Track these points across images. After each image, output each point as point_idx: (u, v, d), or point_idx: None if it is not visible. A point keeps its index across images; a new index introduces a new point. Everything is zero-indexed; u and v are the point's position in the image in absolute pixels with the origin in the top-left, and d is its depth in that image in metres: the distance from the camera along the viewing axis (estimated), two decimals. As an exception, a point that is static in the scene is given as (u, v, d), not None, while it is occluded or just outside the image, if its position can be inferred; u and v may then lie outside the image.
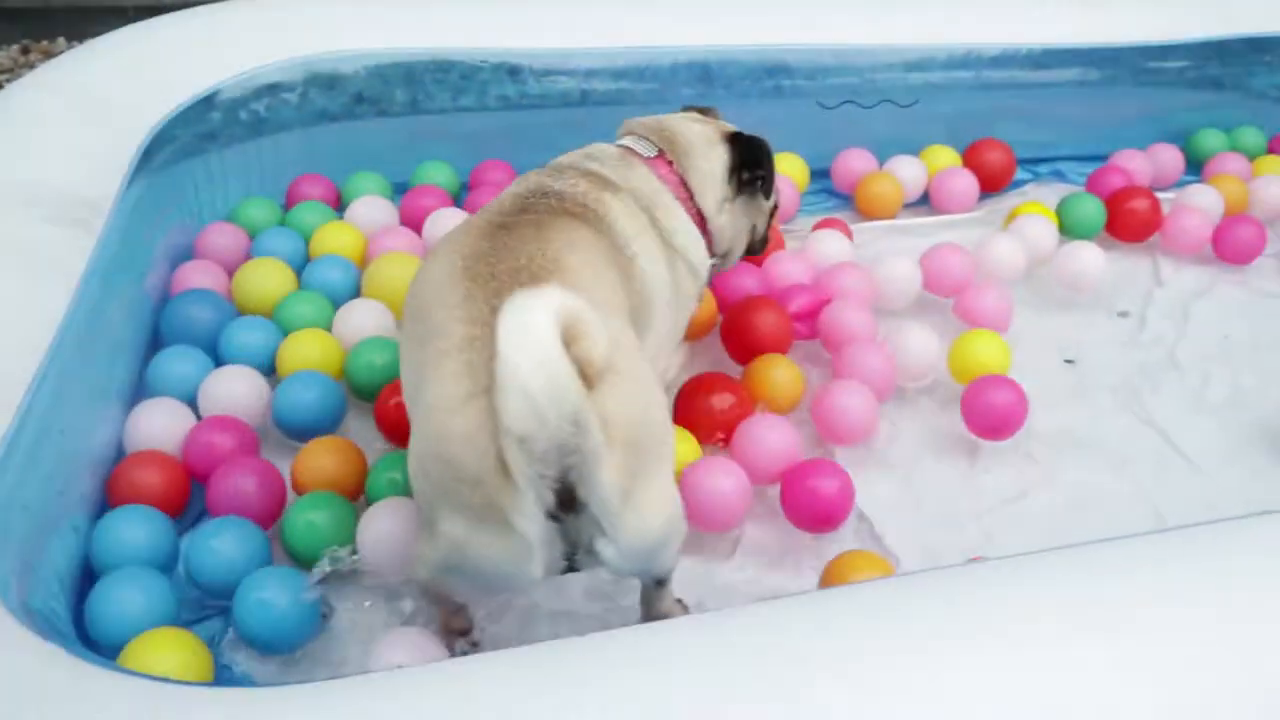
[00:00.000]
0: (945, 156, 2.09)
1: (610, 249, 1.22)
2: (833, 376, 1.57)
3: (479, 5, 2.06)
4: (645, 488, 1.03)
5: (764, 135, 1.42)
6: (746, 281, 1.70)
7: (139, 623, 1.15)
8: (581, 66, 2.01)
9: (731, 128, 1.44)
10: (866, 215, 2.03)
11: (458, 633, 1.23)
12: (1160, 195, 2.03)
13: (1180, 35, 2.26)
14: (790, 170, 2.02)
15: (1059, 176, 2.24)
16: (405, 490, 1.32)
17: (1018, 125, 2.19)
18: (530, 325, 0.89)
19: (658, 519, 1.05)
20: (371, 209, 1.86)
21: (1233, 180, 2.13)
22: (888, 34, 2.07)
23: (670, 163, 1.36)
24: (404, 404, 1.17)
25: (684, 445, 1.42)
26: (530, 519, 0.98)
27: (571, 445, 0.93)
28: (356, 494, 1.38)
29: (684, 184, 1.36)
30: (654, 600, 1.22)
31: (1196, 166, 2.27)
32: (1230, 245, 1.97)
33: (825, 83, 2.07)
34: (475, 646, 1.23)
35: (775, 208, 1.52)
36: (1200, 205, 2.03)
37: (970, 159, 2.11)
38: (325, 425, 1.47)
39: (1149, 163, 2.21)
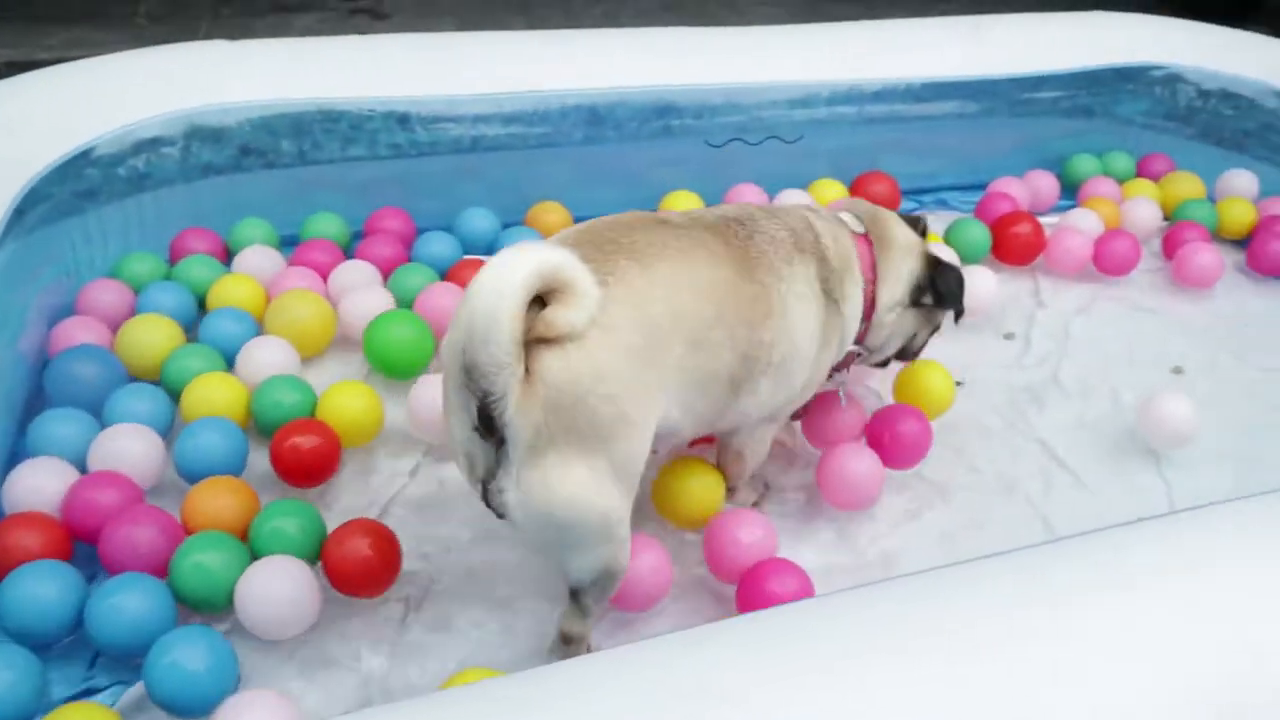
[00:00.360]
0: (832, 190, 2.13)
1: (739, 282, 1.23)
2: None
3: (366, 55, 2.05)
4: (563, 462, 1.06)
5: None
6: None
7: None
8: (470, 113, 2.01)
9: (933, 247, 1.50)
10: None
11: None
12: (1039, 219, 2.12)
13: (1053, 67, 2.36)
14: (686, 206, 2.04)
15: (943, 205, 2.31)
16: (290, 542, 1.29)
17: (902, 157, 2.25)
18: (510, 263, 0.98)
19: (562, 496, 1.07)
20: (261, 258, 1.84)
21: (1106, 203, 2.23)
22: (773, 72, 2.11)
23: (870, 245, 1.40)
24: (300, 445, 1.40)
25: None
26: (456, 422, 1.08)
27: (495, 385, 1.00)
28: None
29: (873, 268, 1.39)
30: (564, 619, 1.23)
31: (1071, 191, 2.37)
32: (1109, 258, 2.07)
33: (713, 121, 2.10)
34: None
35: (937, 328, 1.56)
36: (1081, 227, 2.12)
37: (857, 191, 2.16)
38: (232, 470, 1.43)
39: (1027, 189, 2.30)
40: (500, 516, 1.11)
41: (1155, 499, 1.60)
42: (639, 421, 1.12)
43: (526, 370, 1.02)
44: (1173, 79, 2.39)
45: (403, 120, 2.00)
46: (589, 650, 1.26)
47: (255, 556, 1.29)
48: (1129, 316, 2.01)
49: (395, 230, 1.95)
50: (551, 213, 2.01)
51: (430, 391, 1.50)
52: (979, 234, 2.05)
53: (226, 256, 1.90)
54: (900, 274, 1.43)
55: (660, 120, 2.10)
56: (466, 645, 1.30)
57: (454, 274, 1.84)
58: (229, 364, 1.62)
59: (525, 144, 2.06)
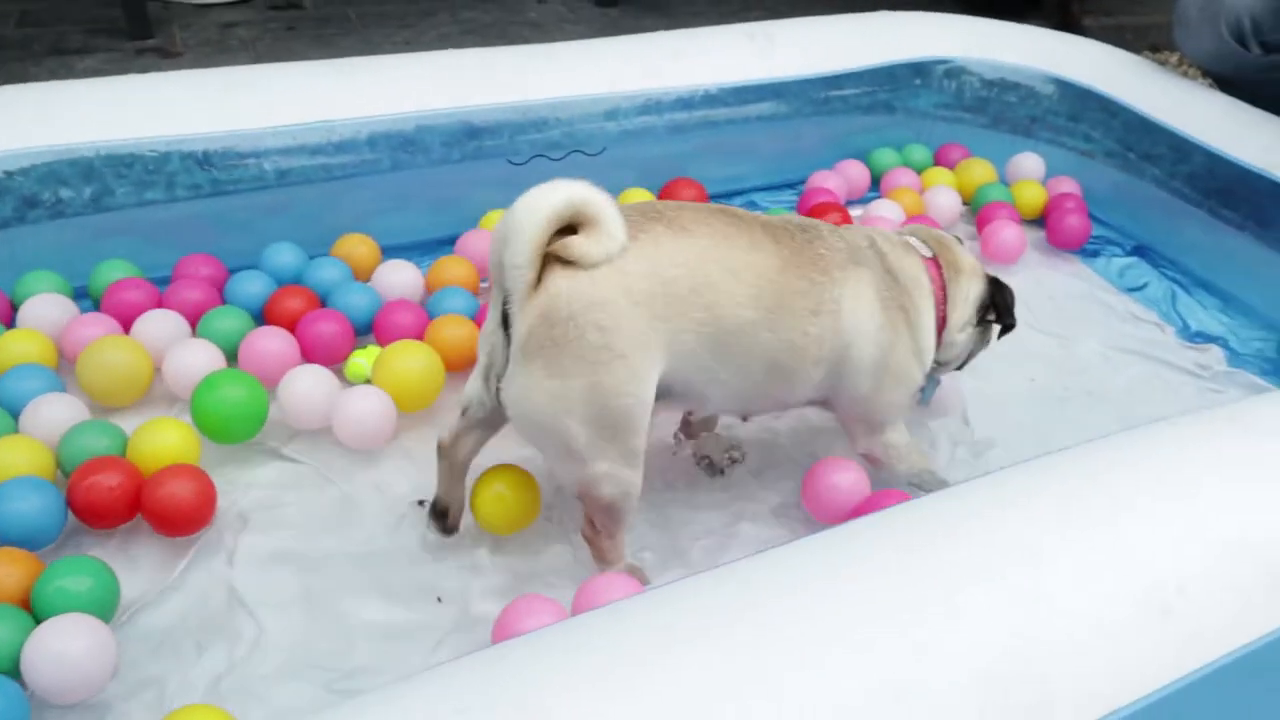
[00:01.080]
0: (639, 197, 2.16)
1: (786, 275, 1.34)
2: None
3: (158, 94, 1.97)
4: (544, 370, 1.19)
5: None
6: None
7: None
8: (274, 146, 1.96)
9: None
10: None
11: (441, 515, 1.41)
12: (852, 211, 2.22)
13: (845, 66, 2.44)
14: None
15: (753, 207, 2.36)
16: (79, 600, 1.23)
17: (708, 163, 2.30)
18: (550, 186, 1.15)
19: (535, 401, 1.21)
20: (51, 307, 1.74)
21: (908, 192, 2.33)
22: (571, 87, 2.13)
23: (940, 268, 1.52)
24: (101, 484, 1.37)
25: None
26: (489, 320, 1.24)
27: (512, 283, 1.17)
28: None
29: (944, 290, 1.51)
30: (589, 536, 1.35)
31: (875, 183, 2.47)
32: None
33: (516, 139, 2.10)
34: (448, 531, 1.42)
35: (989, 342, 1.67)
36: (884, 216, 2.21)
37: (666, 196, 2.20)
38: (50, 530, 1.36)
39: (842, 179, 2.39)
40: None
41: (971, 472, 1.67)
42: (626, 360, 1.21)
43: (539, 282, 1.17)
44: (957, 71, 2.51)
45: (203, 160, 1.93)
46: (635, 575, 1.34)
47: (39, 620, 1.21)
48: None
49: (209, 277, 1.87)
50: (359, 244, 1.97)
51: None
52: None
53: (10, 316, 1.79)
54: (969, 296, 1.55)
55: (464, 142, 2.08)
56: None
57: (270, 311, 1.79)
58: (18, 422, 1.52)
59: (332, 174, 2.01)
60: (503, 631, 1.21)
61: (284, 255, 1.93)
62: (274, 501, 1.52)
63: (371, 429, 1.57)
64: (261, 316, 1.80)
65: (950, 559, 1.01)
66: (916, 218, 2.21)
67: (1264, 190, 2.10)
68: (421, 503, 1.49)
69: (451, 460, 1.38)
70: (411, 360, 1.64)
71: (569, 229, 1.18)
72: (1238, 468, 1.20)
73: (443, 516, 1.42)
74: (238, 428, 1.55)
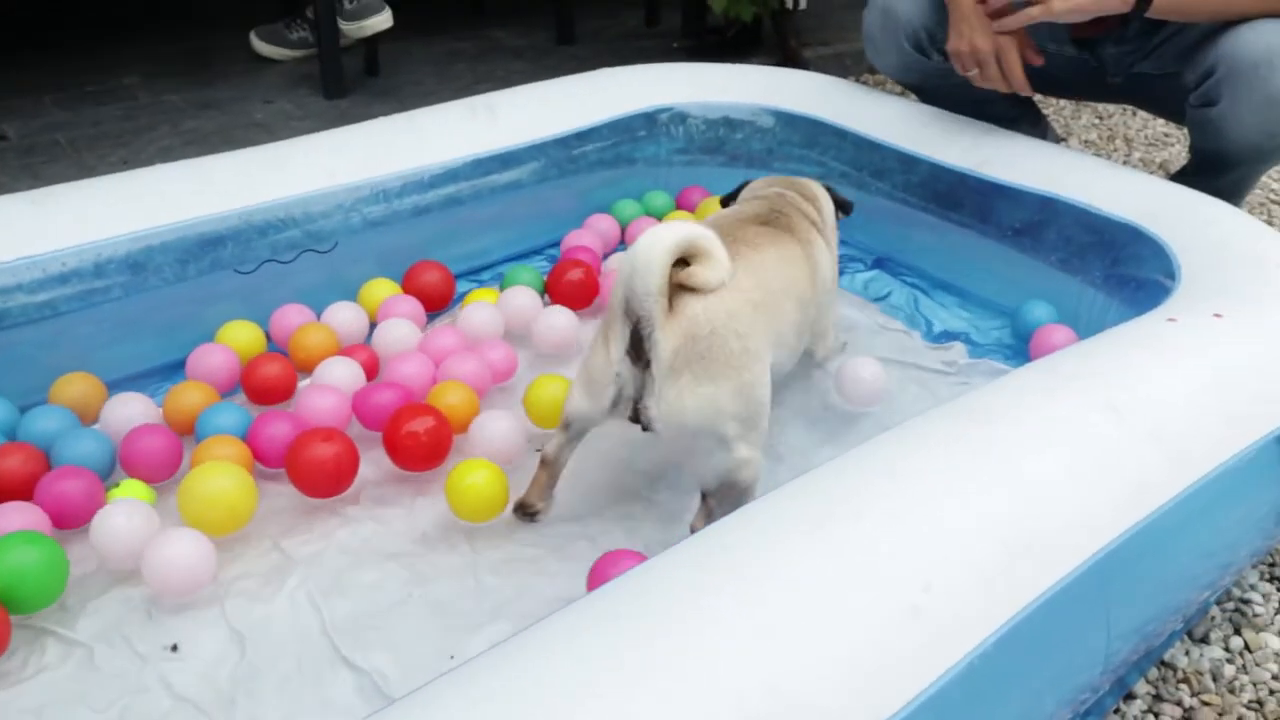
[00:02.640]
0: (385, 288, 2.11)
1: (800, 253, 1.74)
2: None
3: None
4: (696, 382, 1.40)
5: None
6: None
7: None
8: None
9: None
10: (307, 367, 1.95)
11: (545, 461, 1.60)
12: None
13: (580, 124, 2.47)
14: (243, 341, 1.96)
15: (497, 279, 2.33)
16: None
17: (452, 241, 2.26)
18: (666, 228, 1.38)
19: (692, 409, 1.41)
20: None
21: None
22: (293, 187, 2.06)
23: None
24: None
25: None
26: (615, 343, 1.43)
27: (647, 310, 1.37)
28: None
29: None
30: (695, 518, 1.53)
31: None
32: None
33: (247, 247, 2.01)
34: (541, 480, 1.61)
35: None
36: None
37: (410, 285, 2.15)
38: None
39: (596, 235, 2.41)
40: (645, 429, 1.46)
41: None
42: (758, 356, 1.48)
43: (671, 308, 1.40)
44: (680, 117, 2.58)
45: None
46: None
47: None
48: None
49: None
50: (76, 383, 1.82)
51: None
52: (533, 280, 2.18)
53: None
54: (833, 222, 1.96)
55: (193, 258, 1.98)
56: None
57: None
58: None
59: (68, 306, 1.87)
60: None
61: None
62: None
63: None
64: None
65: (676, 608, 0.99)
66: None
67: (979, 189, 2.23)
68: None
69: (552, 471, 1.60)
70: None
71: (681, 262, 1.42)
72: (967, 455, 1.24)
73: (533, 515, 1.61)
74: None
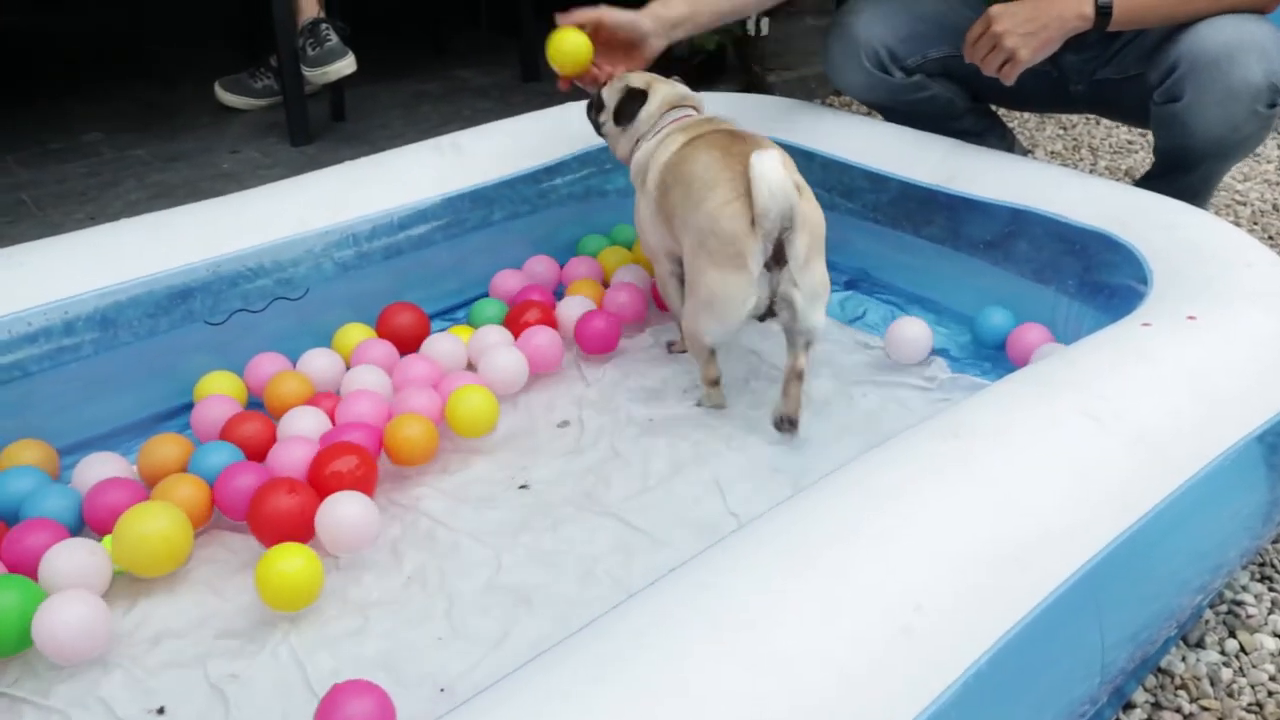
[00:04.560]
0: (360, 333, 2.09)
1: None
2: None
3: None
4: (815, 260, 1.77)
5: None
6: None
7: None
8: None
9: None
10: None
11: (713, 382, 1.98)
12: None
13: (548, 158, 2.47)
14: (229, 389, 1.94)
15: (454, 321, 2.33)
16: None
17: (423, 283, 2.25)
18: (770, 158, 1.69)
19: (820, 279, 1.79)
20: None
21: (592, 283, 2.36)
22: (261, 235, 2.04)
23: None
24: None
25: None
26: (756, 263, 1.72)
27: (786, 222, 1.69)
28: None
29: None
30: (791, 381, 1.86)
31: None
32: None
33: (217, 299, 1.99)
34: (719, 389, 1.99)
35: None
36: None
37: (383, 328, 2.13)
38: None
39: (528, 277, 2.40)
40: (774, 316, 1.80)
41: (726, 530, 1.65)
42: None
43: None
44: (648, 147, 2.57)
45: None
46: None
47: None
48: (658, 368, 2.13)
49: None
50: (28, 449, 1.78)
51: None
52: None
53: None
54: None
55: (163, 312, 1.96)
56: None
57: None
58: None
59: (37, 364, 1.84)
60: None
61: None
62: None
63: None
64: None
65: (667, 641, 0.98)
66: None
67: (949, 204, 2.24)
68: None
69: (719, 382, 1.98)
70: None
71: None
72: (952, 471, 1.23)
73: (717, 384, 1.98)
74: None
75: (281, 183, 2.22)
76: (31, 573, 1.50)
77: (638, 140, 2.10)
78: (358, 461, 1.68)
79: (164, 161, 3.19)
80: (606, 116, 2.17)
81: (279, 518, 1.58)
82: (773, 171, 1.67)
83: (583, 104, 2.64)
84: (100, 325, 1.91)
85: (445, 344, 2.08)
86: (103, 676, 1.41)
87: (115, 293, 1.92)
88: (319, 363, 2.01)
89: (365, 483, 1.68)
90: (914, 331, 2.13)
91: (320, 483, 1.66)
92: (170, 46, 4.38)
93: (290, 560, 1.48)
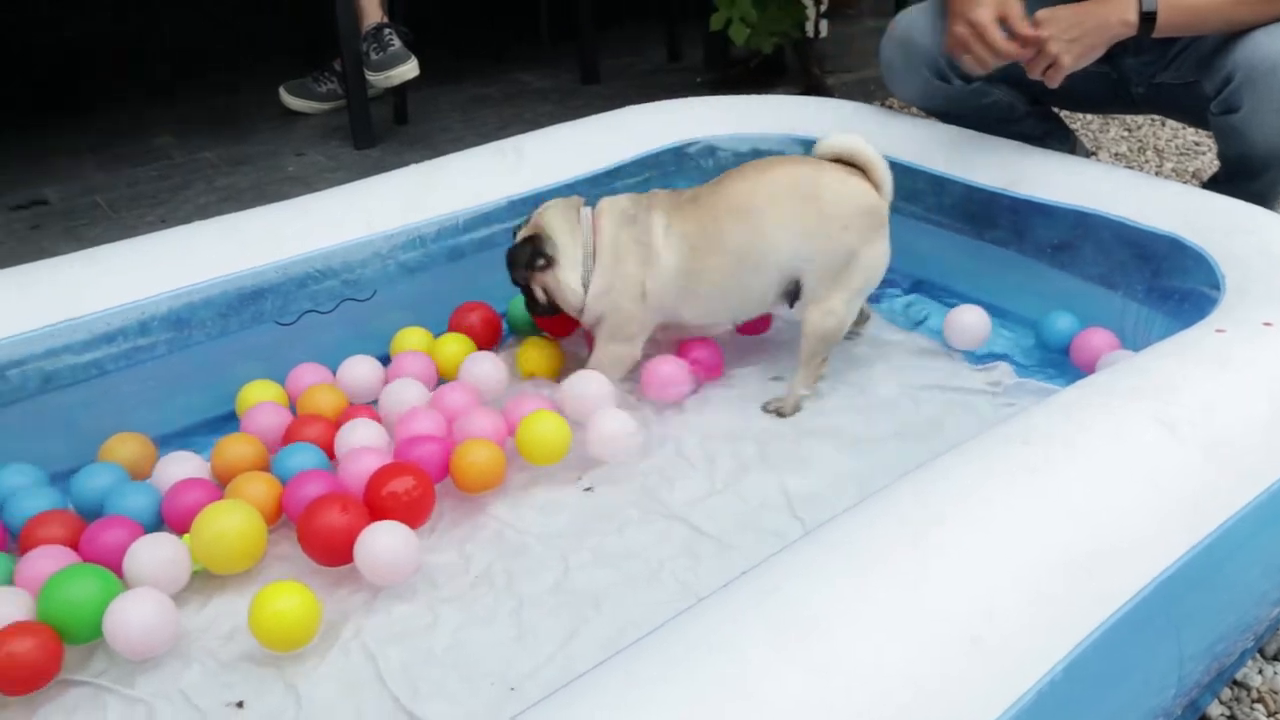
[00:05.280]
0: (417, 337, 2.12)
1: None
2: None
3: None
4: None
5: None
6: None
7: None
8: (33, 351, 1.82)
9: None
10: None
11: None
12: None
13: (609, 161, 2.48)
14: (261, 397, 1.96)
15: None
16: None
17: (489, 285, 2.26)
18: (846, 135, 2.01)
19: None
20: None
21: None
22: (331, 236, 2.08)
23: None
24: None
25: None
26: None
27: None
28: None
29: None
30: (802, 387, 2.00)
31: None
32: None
33: (286, 300, 2.03)
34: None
35: None
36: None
37: (460, 319, 2.17)
38: None
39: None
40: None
41: (794, 536, 1.65)
42: None
43: None
44: (709, 149, 2.58)
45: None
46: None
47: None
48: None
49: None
50: (128, 443, 1.84)
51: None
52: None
53: None
54: None
55: (234, 312, 2.00)
56: None
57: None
58: None
59: (104, 367, 1.89)
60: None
61: (13, 476, 1.75)
62: None
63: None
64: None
65: (736, 647, 0.98)
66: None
67: (1013, 207, 2.22)
68: None
69: None
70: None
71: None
72: (1023, 478, 1.22)
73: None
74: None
75: (349, 185, 2.26)
76: (111, 567, 1.54)
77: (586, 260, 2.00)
78: (414, 483, 1.65)
79: (231, 165, 3.26)
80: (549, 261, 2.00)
81: (328, 534, 1.58)
82: (867, 146, 1.94)
83: (640, 106, 2.66)
84: (174, 325, 1.95)
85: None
86: (183, 669, 1.45)
87: (189, 294, 1.96)
88: (357, 371, 2.04)
89: (419, 505, 1.65)
90: (971, 318, 2.15)
91: (375, 503, 1.63)
92: (236, 52, 4.47)
93: (285, 599, 1.45)
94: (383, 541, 1.55)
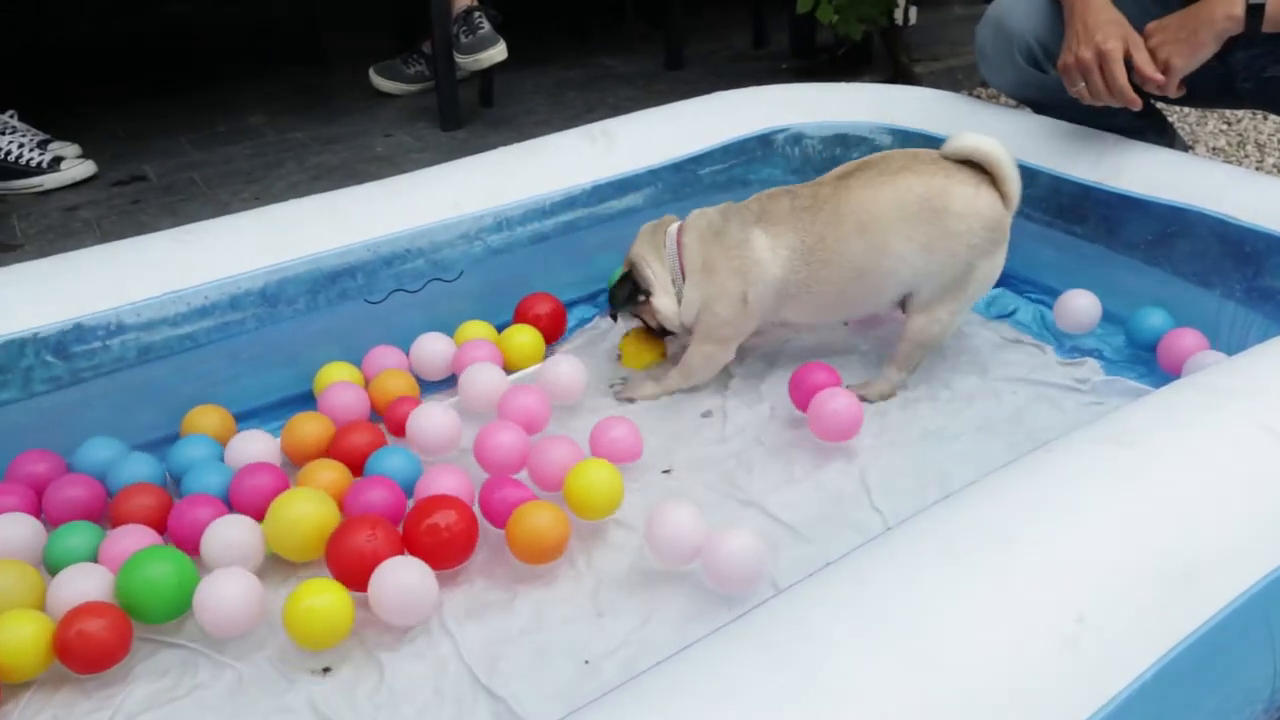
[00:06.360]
0: (480, 329, 2.13)
1: None
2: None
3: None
4: None
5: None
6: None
7: None
8: (133, 322, 1.88)
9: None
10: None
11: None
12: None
13: (695, 148, 2.47)
14: (339, 377, 1.99)
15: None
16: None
17: (570, 268, 2.30)
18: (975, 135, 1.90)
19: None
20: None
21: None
22: (420, 216, 2.11)
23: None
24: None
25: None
26: None
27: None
28: None
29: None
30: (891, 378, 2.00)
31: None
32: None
33: (374, 278, 2.06)
34: None
35: None
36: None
37: (526, 309, 2.19)
38: None
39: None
40: None
41: (873, 528, 1.65)
42: None
43: None
44: (796, 137, 2.56)
45: (58, 349, 1.84)
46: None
47: None
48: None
49: (39, 474, 1.74)
50: (209, 415, 1.89)
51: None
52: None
53: None
54: None
55: (323, 289, 2.04)
56: None
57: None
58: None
59: (198, 341, 1.94)
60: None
61: (97, 451, 1.79)
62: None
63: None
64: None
65: (827, 638, 0.98)
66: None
67: (1104, 201, 2.17)
68: None
69: None
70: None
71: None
72: (1118, 478, 1.20)
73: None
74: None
75: (439, 167, 2.28)
76: (192, 542, 1.58)
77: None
78: (456, 517, 1.55)
79: (322, 144, 3.32)
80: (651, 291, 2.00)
81: (354, 557, 1.51)
82: (1000, 148, 1.87)
83: (729, 92, 2.65)
84: (265, 301, 2.00)
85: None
86: (270, 636, 1.49)
87: (282, 270, 2.00)
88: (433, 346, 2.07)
89: (461, 541, 1.56)
90: (1083, 301, 2.15)
91: (414, 539, 1.55)
92: (327, 33, 4.55)
93: (319, 597, 1.44)
94: (392, 579, 1.47)
